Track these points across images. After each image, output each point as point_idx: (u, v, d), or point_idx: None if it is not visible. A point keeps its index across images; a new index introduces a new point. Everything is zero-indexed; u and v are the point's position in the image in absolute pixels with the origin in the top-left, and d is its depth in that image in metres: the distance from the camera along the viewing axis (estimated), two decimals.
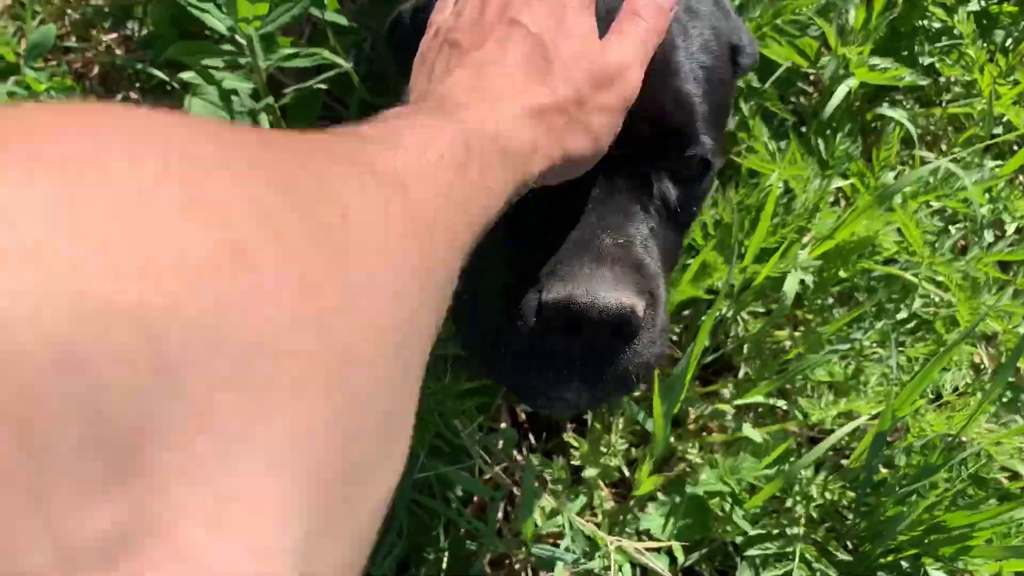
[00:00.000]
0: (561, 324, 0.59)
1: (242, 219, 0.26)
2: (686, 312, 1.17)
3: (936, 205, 1.16)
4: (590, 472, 1.03)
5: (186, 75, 1.01)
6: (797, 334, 1.21)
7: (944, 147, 1.33)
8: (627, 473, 1.11)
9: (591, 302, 0.58)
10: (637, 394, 1.11)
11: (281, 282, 0.27)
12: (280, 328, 0.26)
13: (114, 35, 1.37)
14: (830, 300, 1.19)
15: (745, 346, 1.17)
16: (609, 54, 0.61)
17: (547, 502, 1.00)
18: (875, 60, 1.12)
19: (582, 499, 1.02)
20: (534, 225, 0.64)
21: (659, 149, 0.66)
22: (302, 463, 0.26)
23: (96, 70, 1.34)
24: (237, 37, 1.00)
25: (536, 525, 0.99)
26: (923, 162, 1.27)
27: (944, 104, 1.32)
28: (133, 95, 1.28)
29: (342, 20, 1.01)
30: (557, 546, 1.01)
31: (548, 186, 0.64)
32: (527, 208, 0.64)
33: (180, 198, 0.25)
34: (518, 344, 0.62)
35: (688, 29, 0.69)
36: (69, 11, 1.38)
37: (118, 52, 1.36)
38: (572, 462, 1.06)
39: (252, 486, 0.24)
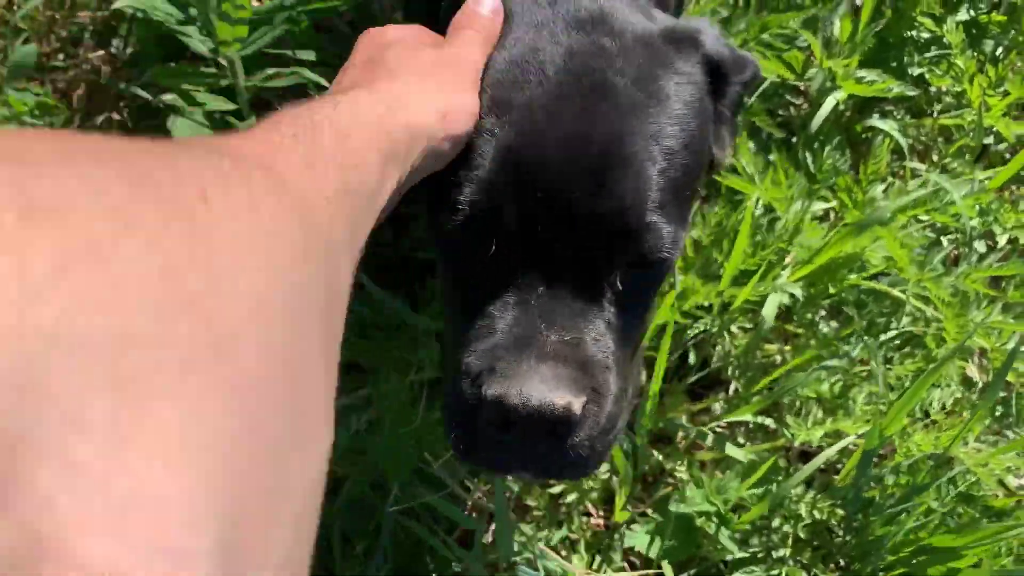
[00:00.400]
0: (497, 420, 0.60)
1: (89, 213, 0.25)
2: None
3: (926, 219, 1.14)
4: (570, 497, 1.02)
5: (167, 97, 1.01)
6: (787, 348, 1.20)
7: (935, 158, 1.31)
8: (616, 488, 1.11)
9: (523, 403, 0.58)
10: None
11: (142, 271, 0.26)
12: (148, 318, 0.25)
13: (100, 53, 1.36)
14: (820, 314, 1.19)
15: (733, 362, 1.16)
16: (444, 49, 0.64)
17: (527, 528, 1.00)
18: (862, 72, 1.11)
19: (563, 530, 1.02)
20: (487, 312, 0.64)
21: (608, 247, 0.63)
22: (204, 454, 0.25)
23: (81, 89, 1.34)
24: (219, 59, 0.99)
25: (515, 551, 0.99)
26: (914, 173, 1.26)
27: (934, 115, 1.31)
28: (116, 116, 1.27)
29: (310, 55, 1.01)
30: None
31: (505, 274, 0.63)
32: (483, 293, 0.64)
33: (14, 202, 0.23)
34: (469, 428, 0.63)
35: (639, 105, 0.63)
36: (56, 28, 1.38)
37: (104, 70, 1.36)
38: (552, 489, 1.06)
39: (152, 487, 0.23)
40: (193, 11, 0.99)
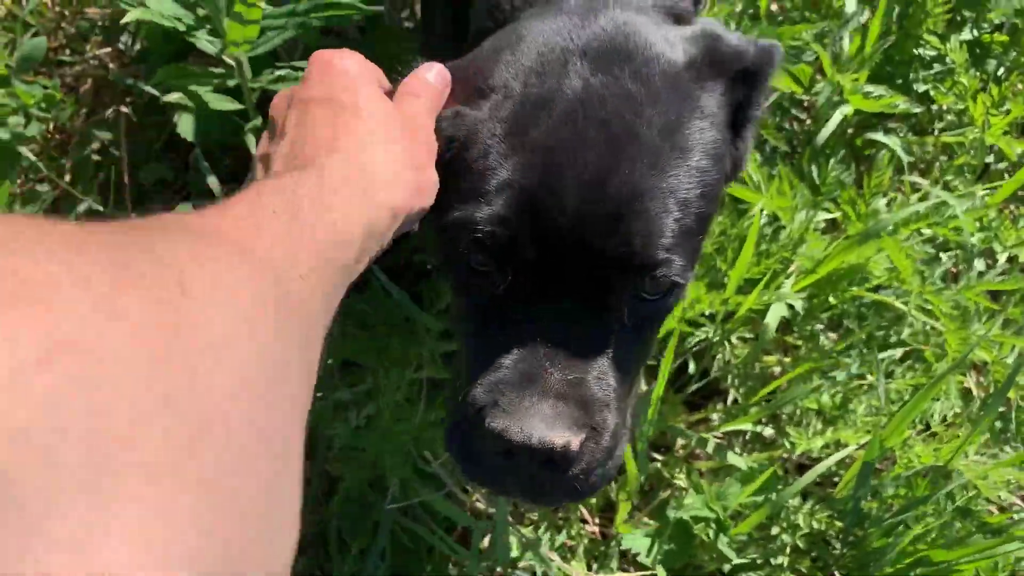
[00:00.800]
0: (499, 449, 0.62)
1: (74, 304, 0.25)
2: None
3: (927, 233, 1.15)
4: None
5: (172, 96, 1.01)
6: (787, 359, 1.20)
7: (937, 174, 1.33)
8: (613, 496, 1.11)
9: (524, 440, 0.60)
10: None
11: (124, 365, 0.26)
12: (127, 415, 0.25)
13: (108, 49, 1.36)
14: (820, 326, 1.19)
15: (732, 372, 1.16)
16: (401, 110, 0.63)
17: (526, 531, 1.00)
18: (869, 88, 1.12)
19: (562, 535, 1.02)
20: (496, 345, 0.65)
21: (621, 279, 0.64)
22: (173, 562, 0.25)
23: (88, 84, 1.34)
24: (226, 59, 0.99)
25: (514, 555, 0.98)
26: (914, 188, 1.27)
27: (937, 132, 1.32)
28: (124, 109, 1.27)
29: (302, 65, 1.02)
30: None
31: (515, 306, 0.64)
32: (493, 325, 0.66)
33: (1, 288, 0.24)
34: (472, 451, 0.66)
35: (662, 159, 0.63)
36: (64, 24, 1.38)
37: (111, 66, 1.36)
38: None
39: None
40: (202, 12, 0.99)
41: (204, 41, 0.97)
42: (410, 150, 0.60)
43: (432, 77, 0.68)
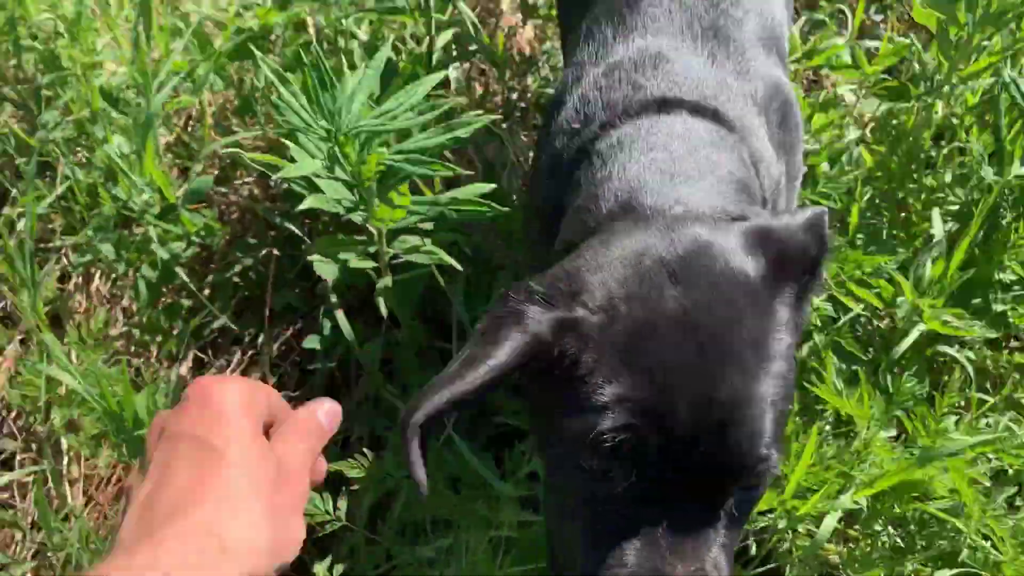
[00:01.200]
0: None
1: None
2: None
3: (993, 456, 1.21)
4: None
5: (316, 259, 1.16)
6: (844, 550, 1.26)
7: (1009, 388, 1.38)
8: None
9: None
10: None
11: None
12: None
13: (254, 178, 1.54)
14: (880, 526, 1.24)
15: (792, 561, 1.22)
16: (276, 449, 0.62)
17: None
18: (947, 316, 1.20)
19: None
20: (616, 543, 0.73)
21: (731, 477, 0.73)
22: None
23: (237, 213, 1.51)
24: (369, 227, 1.14)
25: None
26: (980, 403, 1.32)
27: (1010, 351, 1.39)
28: (276, 252, 1.43)
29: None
30: None
31: (631, 503, 0.72)
32: (609, 522, 0.74)
33: None
34: None
35: (754, 371, 0.72)
36: (221, 156, 1.56)
37: (257, 193, 1.53)
38: None
39: None
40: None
41: (355, 215, 1.12)
42: (275, 504, 0.59)
43: (322, 415, 0.68)
